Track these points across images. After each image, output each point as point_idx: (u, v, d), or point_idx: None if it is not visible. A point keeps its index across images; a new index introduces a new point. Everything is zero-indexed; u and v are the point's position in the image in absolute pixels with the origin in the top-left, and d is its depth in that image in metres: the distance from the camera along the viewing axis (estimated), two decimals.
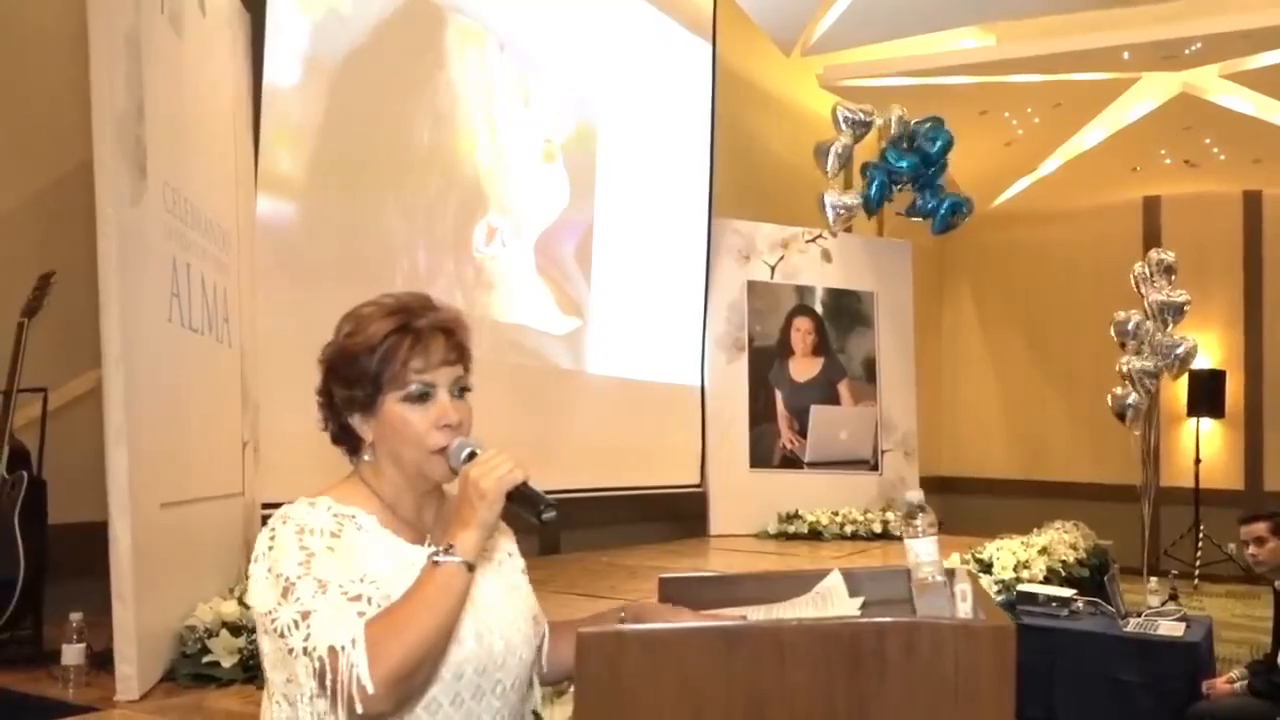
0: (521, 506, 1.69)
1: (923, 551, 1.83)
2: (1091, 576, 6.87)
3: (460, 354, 1.79)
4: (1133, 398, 8.87)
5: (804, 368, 9.22)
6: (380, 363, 1.72)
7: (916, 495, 1.91)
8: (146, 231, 3.58)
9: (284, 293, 5.23)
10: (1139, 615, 5.98)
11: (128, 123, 3.45)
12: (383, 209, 5.99)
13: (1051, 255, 14.03)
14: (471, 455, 1.73)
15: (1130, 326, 9.07)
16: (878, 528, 8.43)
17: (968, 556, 6.12)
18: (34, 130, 4.77)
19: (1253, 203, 13.47)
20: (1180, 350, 9.09)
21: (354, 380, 1.74)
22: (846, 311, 9.45)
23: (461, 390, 1.79)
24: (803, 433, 9.10)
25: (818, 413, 9.15)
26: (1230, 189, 13.39)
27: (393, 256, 6.08)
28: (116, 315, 3.30)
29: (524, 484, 1.69)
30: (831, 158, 9.12)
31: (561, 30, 7.36)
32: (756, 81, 10.64)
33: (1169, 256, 9.49)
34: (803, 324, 9.24)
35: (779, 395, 9.06)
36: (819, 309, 9.34)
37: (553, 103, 7.31)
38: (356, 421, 1.77)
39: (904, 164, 9.35)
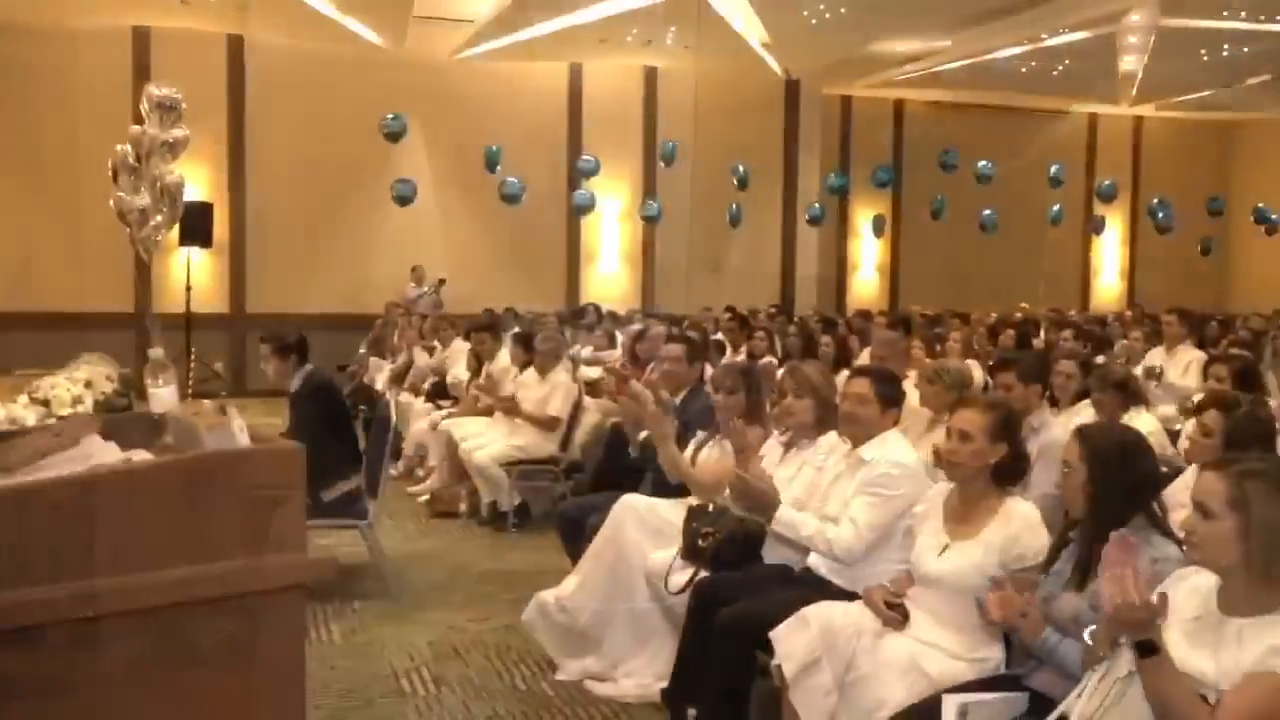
0: None
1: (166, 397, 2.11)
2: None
3: None
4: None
5: None
6: None
7: (157, 353, 2.16)
8: None
9: None
10: None
11: None
12: None
13: (44, 79, 13.27)
14: None
15: (126, 160, 9.21)
16: None
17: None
18: None
19: (236, 45, 14.42)
20: (170, 182, 9.51)
21: None
22: None
23: None
24: None
25: None
26: (216, 29, 14.12)
27: None
28: None
29: None
30: None
31: None
32: None
33: (171, 93, 9.81)
34: None
35: None
36: None
37: None
38: None
39: None
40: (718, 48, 14.74)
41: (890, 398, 3.76)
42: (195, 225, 12.84)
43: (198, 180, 12.96)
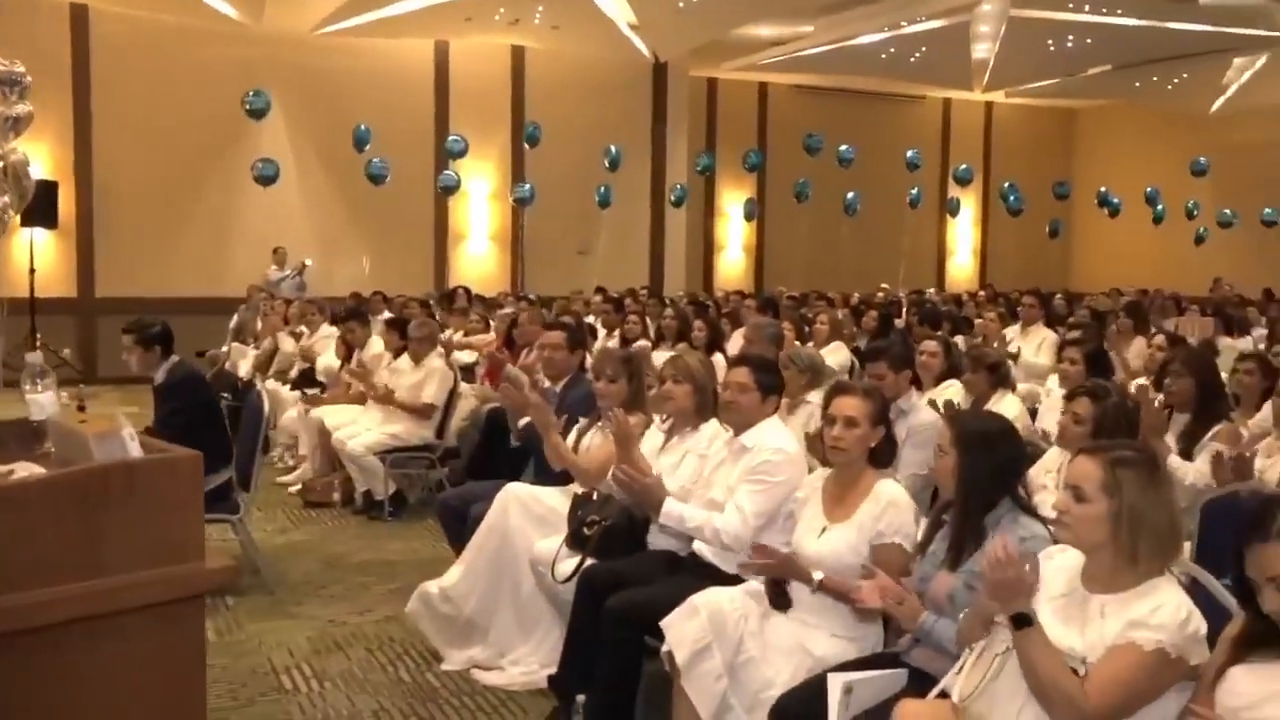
0: None
1: (46, 403, 2.04)
2: None
3: None
4: None
5: None
6: None
7: (35, 356, 2.09)
8: None
9: None
10: None
11: None
12: None
13: None
14: None
15: None
16: None
17: None
18: None
19: (80, 14, 13.72)
20: (15, 160, 9.07)
21: None
22: None
23: None
24: None
25: None
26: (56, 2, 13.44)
27: None
28: None
29: None
30: None
31: None
32: None
33: (13, 66, 9.32)
34: None
35: None
36: None
37: None
38: None
39: None
40: (585, 29, 14.73)
41: (770, 386, 3.85)
42: (38, 205, 12.11)
43: (40, 157, 12.34)
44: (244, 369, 10.08)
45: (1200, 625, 2.32)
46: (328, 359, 8.64)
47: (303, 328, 9.77)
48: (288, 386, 8.95)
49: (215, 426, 5.53)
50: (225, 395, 8.27)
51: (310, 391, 8.55)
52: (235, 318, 11.89)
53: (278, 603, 5.28)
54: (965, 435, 2.97)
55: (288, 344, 9.81)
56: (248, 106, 13.55)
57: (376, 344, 8.06)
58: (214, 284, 13.92)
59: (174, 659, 1.84)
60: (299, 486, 7.62)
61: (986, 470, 2.92)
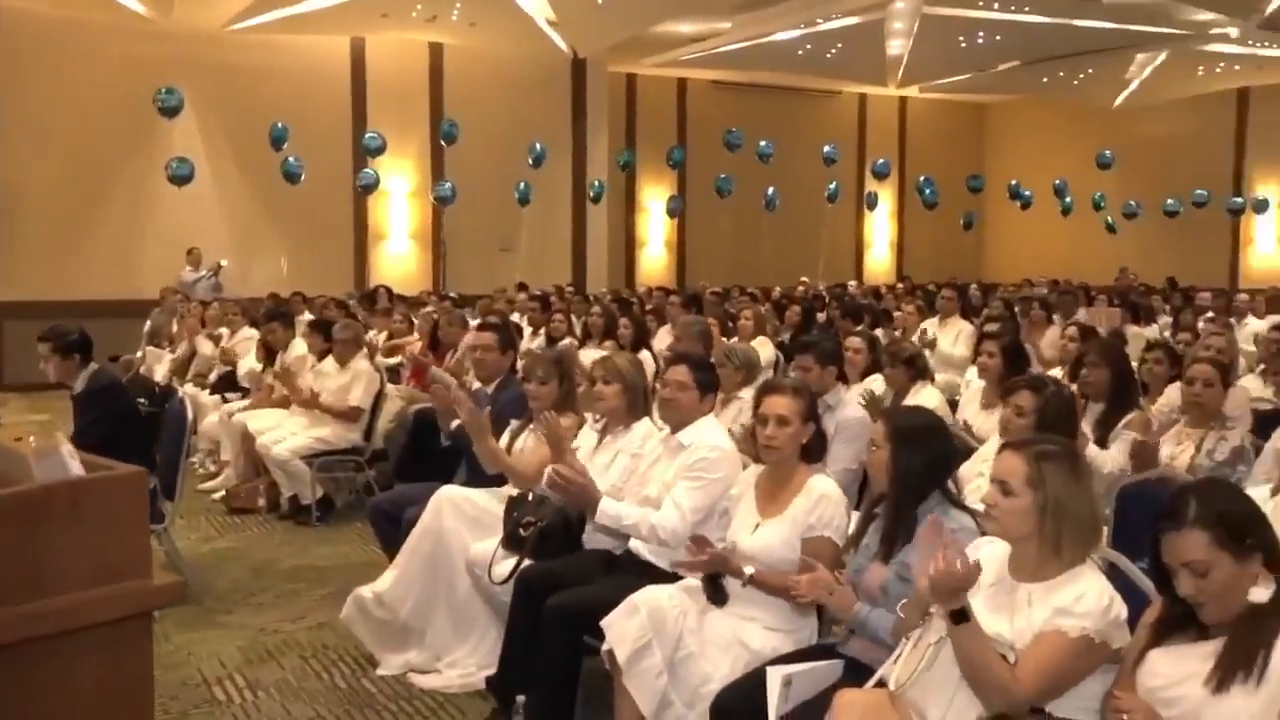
0: None
1: None
2: None
3: None
4: None
5: None
6: None
7: None
8: None
9: None
10: None
11: None
12: None
13: None
14: None
15: None
16: None
17: None
18: None
19: None
20: None
21: None
22: None
23: None
24: None
25: None
26: None
27: None
28: None
29: None
30: None
31: None
32: None
33: None
34: None
35: None
36: None
37: None
38: None
39: None
40: (503, 26, 14.67)
41: (708, 384, 3.92)
42: None
43: None
44: (160, 373, 9.87)
45: (1121, 610, 2.43)
46: (249, 362, 8.51)
47: (222, 330, 9.60)
48: (207, 391, 8.79)
49: (137, 434, 5.43)
50: (142, 401, 8.08)
51: (231, 396, 8.42)
52: (149, 321, 11.62)
53: (206, 612, 5.20)
54: (899, 430, 3.05)
55: (206, 347, 9.63)
56: (160, 104, 13.23)
57: (299, 346, 7.95)
58: (126, 286, 13.59)
59: (122, 677, 1.82)
60: (222, 493, 7.50)
61: (920, 464, 3.01)
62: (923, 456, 3.01)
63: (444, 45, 15.92)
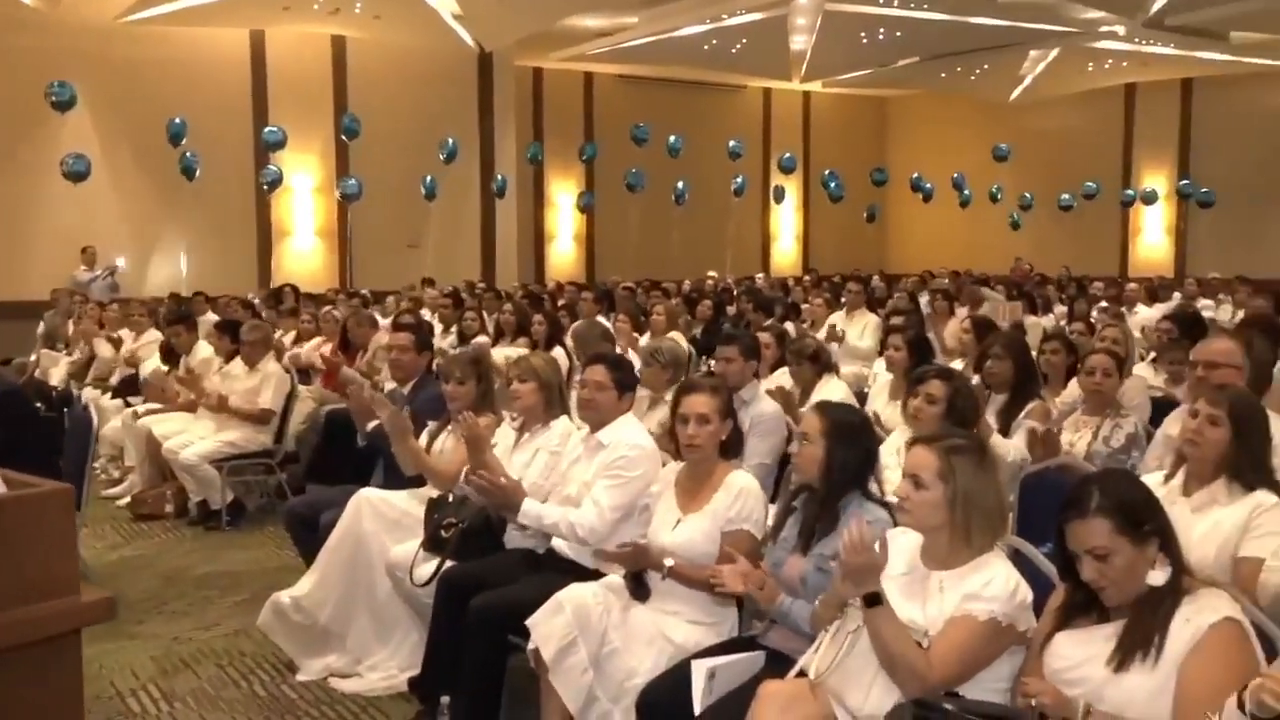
0: None
1: None
2: None
3: None
4: None
5: None
6: None
7: None
8: None
9: None
10: None
11: None
12: None
13: None
14: None
15: None
16: None
17: None
18: None
19: None
20: None
21: None
22: None
23: None
24: None
25: None
26: None
27: None
28: None
29: None
30: None
31: None
32: None
33: None
34: None
35: None
36: None
37: None
38: None
39: None
40: (408, 19, 14.52)
41: (626, 384, 3.96)
42: None
43: None
44: (56, 377, 9.57)
45: (1027, 594, 2.55)
46: (153, 364, 8.30)
47: (124, 332, 9.34)
48: (108, 394, 8.55)
49: (40, 442, 5.27)
50: (39, 405, 7.84)
51: (134, 400, 8.21)
52: (43, 323, 11.24)
53: (116, 623, 5.05)
54: (837, 427, 3.14)
55: (105, 349, 9.36)
56: (52, 99, 12.79)
57: (204, 348, 7.79)
58: (15, 287, 13.14)
59: (51, 696, 1.79)
60: (128, 499, 7.32)
61: (854, 461, 3.11)
62: (856, 453, 3.12)
63: (347, 38, 15.70)
